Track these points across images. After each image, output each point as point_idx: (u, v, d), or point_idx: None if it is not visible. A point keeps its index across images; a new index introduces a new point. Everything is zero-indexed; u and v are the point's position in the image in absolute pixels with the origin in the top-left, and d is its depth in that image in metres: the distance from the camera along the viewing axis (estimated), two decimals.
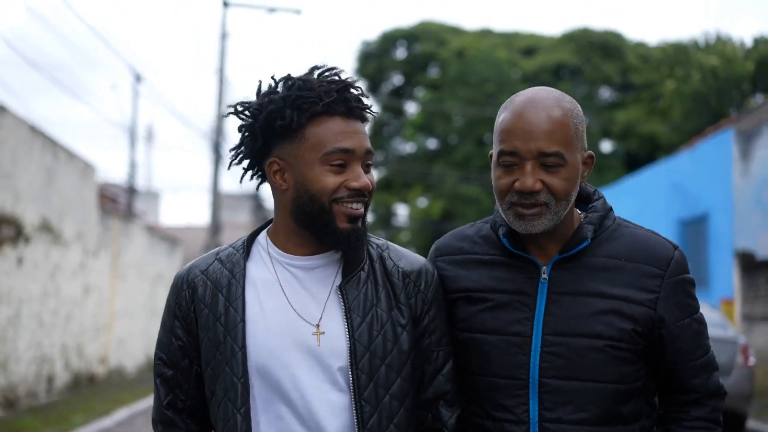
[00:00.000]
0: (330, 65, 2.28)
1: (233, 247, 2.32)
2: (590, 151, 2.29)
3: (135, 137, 23.58)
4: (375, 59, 41.77)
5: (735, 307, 17.09)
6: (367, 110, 2.26)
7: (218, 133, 23.97)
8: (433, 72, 41.16)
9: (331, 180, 2.16)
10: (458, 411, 2.29)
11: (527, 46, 40.40)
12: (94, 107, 69.22)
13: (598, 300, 2.23)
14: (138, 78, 22.55)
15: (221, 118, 23.71)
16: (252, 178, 2.32)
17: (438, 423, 2.27)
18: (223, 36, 23.59)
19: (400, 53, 42.32)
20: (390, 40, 41.99)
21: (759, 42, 32.33)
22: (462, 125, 38.14)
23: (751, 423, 12.08)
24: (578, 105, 2.28)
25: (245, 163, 2.29)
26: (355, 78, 2.27)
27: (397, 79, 42.70)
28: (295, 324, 2.19)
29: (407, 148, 42.01)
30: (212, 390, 2.22)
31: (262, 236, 2.32)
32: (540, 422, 2.21)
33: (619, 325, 2.21)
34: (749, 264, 16.68)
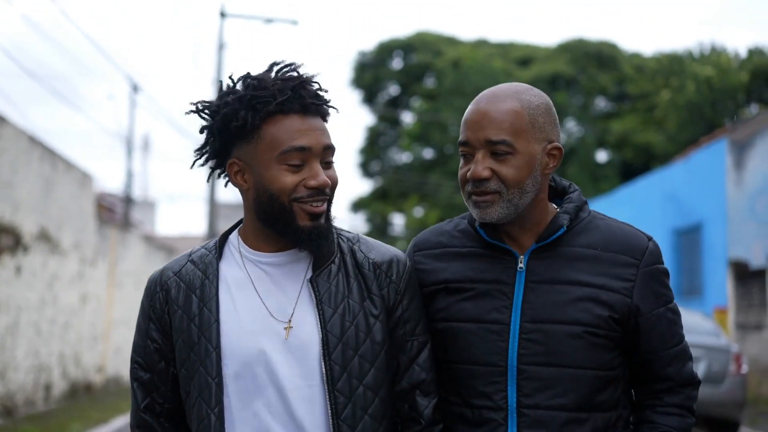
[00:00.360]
0: (289, 61, 2.25)
1: (206, 248, 2.32)
2: (556, 143, 2.32)
3: (132, 147, 23.68)
4: (371, 69, 41.91)
5: (728, 315, 17.20)
6: (325, 105, 2.23)
7: None
8: (429, 82, 41.27)
9: (288, 179, 2.15)
10: (435, 400, 2.28)
11: (523, 56, 40.50)
12: (90, 117, 69.20)
13: (575, 288, 2.26)
14: (135, 88, 22.65)
15: None
16: (219, 176, 2.31)
17: (414, 413, 2.26)
18: (221, 46, 23.66)
19: (397, 63, 42.43)
20: (386, 50, 42.11)
21: (753, 53, 32.50)
22: (458, 135, 38.15)
23: (744, 430, 12.17)
24: (546, 99, 2.33)
25: (211, 162, 2.29)
26: (312, 73, 2.24)
27: (393, 89, 42.80)
28: (268, 321, 2.19)
29: (403, 157, 42.11)
30: (187, 391, 2.22)
31: (234, 236, 2.32)
32: (518, 408, 2.23)
33: (596, 311, 2.24)
34: (743, 273, 16.78)
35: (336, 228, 2.31)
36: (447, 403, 2.31)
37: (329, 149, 2.20)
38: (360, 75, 42.13)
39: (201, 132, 2.26)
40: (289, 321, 2.18)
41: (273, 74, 2.22)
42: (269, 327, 2.18)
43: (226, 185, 2.33)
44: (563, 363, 2.24)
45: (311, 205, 2.16)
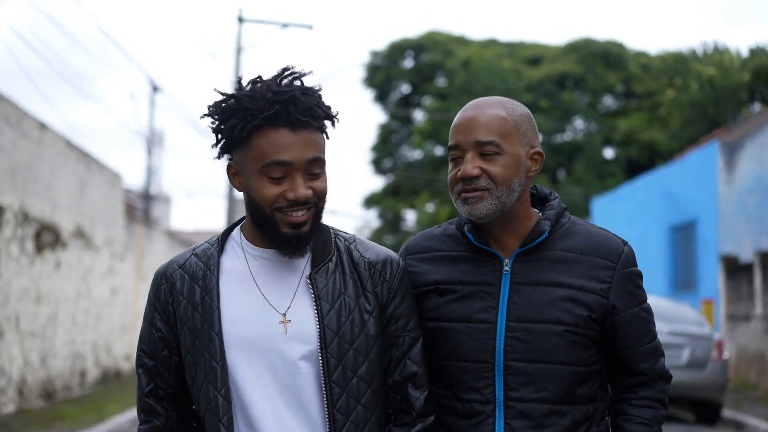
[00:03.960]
0: (298, 69, 2.30)
1: (209, 243, 2.40)
2: (538, 148, 2.45)
3: (151, 145, 24.48)
4: (383, 69, 42.44)
5: (716, 307, 18.08)
6: (316, 121, 2.25)
7: None
8: (440, 81, 41.73)
9: (269, 191, 2.21)
10: (425, 393, 2.35)
11: (532, 55, 40.91)
12: (112, 114, 70.04)
13: (556, 289, 2.38)
14: (155, 88, 23.43)
15: None
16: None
17: (406, 404, 2.34)
18: (239, 50, 24.39)
19: (408, 63, 42.90)
20: (398, 50, 42.55)
21: (755, 52, 33.13)
22: None
23: (727, 413, 12.96)
24: (527, 109, 2.48)
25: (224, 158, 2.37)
26: (310, 87, 2.28)
27: (404, 88, 43.29)
28: (267, 311, 2.27)
29: (415, 155, 42.56)
30: (193, 376, 2.29)
31: (236, 232, 2.40)
32: (505, 401, 2.35)
33: (575, 311, 2.37)
34: (733, 267, 17.64)
35: (333, 228, 2.41)
36: (438, 396, 2.42)
37: (315, 162, 2.24)
38: (372, 74, 42.63)
39: (212, 131, 2.33)
40: (285, 314, 2.28)
41: (277, 82, 2.26)
42: (268, 316, 2.28)
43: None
44: (546, 359, 2.35)
45: (291, 215, 2.23)
